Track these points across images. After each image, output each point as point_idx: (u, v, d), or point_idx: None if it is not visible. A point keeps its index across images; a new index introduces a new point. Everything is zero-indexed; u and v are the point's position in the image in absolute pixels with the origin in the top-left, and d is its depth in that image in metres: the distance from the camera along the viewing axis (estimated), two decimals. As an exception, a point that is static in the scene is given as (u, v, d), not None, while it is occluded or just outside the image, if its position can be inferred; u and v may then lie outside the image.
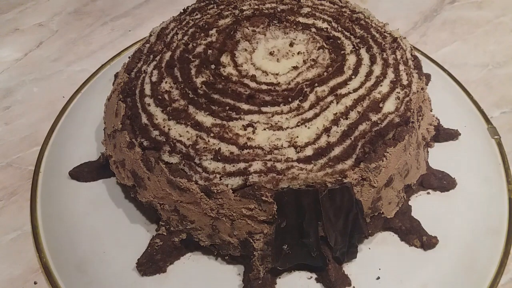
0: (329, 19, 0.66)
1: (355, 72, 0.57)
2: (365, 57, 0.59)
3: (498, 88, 0.76)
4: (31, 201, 0.59)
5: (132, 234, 0.55)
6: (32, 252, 0.55)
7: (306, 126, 0.51)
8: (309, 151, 0.49)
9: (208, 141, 0.50)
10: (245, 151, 0.49)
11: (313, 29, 0.64)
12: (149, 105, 0.54)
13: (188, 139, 0.50)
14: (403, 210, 0.54)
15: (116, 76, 0.66)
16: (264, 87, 0.55)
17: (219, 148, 0.49)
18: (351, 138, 0.50)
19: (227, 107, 0.53)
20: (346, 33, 0.63)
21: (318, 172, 0.47)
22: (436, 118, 0.63)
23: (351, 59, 0.59)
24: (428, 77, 0.70)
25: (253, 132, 0.50)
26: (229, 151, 0.49)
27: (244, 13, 0.67)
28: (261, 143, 0.49)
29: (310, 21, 0.65)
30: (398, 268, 0.51)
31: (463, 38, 0.88)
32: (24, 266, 0.54)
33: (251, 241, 0.48)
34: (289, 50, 0.60)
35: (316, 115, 0.52)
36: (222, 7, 0.69)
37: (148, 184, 0.51)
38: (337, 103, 0.53)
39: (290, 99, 0.54)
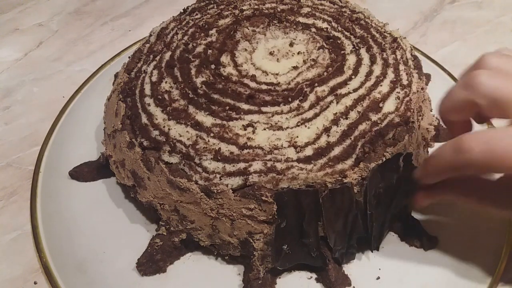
0: (329, 19, 0.66)
1: (355, 72, 0.57)
2: (365, 57, 0.59)
3: (498, 88, 0.76)
4: (31, 201, 0.58)
5: (132, 234, 0.54)
6: (32, 252, 0.55)
7: (306, 126, 0.51)
8: (309, 151, 0.49)
9: (208, 141, 0.50)
10: (245, 151, 0.49)
11: (313, 29, 0.64)
12: (149, 105, 0.54)
13: (188, 139, 0.50)
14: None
15: (116, 76, 0.66)
16: (264, 87, 0.55)
17: (219, 148, 0.49)
18: (351, 138, 0.50)
19: (227, 107, 0.53)
20: (346, 33, 0.63)
21: (318, 172, 0.47)
22: (436, 118, 0.63)
23: (351, 59, 0.59)
24: (428, 77, 0.70)
25: (253, 132, 0.50)
26: (229, 151, 0.49)
27: (244, 13, 0.67)
28: (261, 143, 0.49)
29: (310, 21, 0.66)
30: (398, 268, 0.51)
31: (463, 38, 0.88)
32: (24, 266, 0.54)
33: (251, 241, 0.48)
34: (289, 50, 0.60)
35: (316, 115, 0.52)
36: (222, 7, 0.69)
37: (148, 184, 0.51)
38: (337, 103, 0.53)
39: (290, 99, 0.54)
